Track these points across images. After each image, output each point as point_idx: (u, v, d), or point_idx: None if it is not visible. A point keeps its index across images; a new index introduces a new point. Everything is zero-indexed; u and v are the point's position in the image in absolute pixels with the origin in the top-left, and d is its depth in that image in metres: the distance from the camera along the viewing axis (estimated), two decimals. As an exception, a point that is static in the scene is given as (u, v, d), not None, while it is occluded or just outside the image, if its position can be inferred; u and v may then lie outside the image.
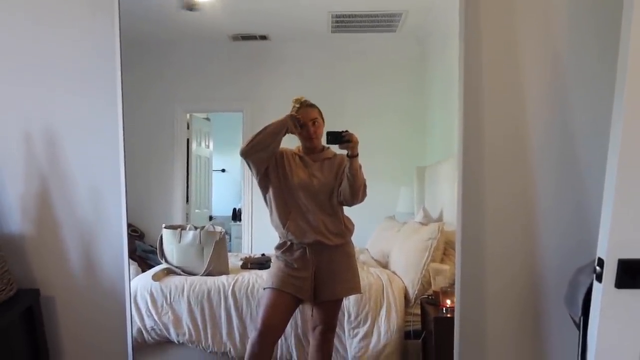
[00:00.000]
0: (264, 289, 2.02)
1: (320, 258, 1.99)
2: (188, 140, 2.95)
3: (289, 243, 2.01)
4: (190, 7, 2.50)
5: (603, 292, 1.23)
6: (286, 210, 1.99)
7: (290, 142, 2.08)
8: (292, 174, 2.00)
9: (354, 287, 2.05)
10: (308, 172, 2.02)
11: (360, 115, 2.75)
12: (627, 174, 1.21)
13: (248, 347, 1.94)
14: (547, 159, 1.82)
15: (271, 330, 1.95)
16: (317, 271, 1.99)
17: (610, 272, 1.22)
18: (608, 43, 1.36)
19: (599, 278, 1.24)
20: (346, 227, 2.06)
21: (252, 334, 1.98)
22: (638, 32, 1.19)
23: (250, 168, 2.02)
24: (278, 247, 2.05)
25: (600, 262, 1.23)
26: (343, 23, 2.79)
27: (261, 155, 1.96)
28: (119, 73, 1.86)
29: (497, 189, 1.84)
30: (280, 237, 2.05)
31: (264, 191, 2.05)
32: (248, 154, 1.96)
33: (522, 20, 1.83)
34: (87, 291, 1.89)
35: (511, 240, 1.84)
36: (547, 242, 1.81)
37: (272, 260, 2.09)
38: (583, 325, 1.35)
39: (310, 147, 2.06)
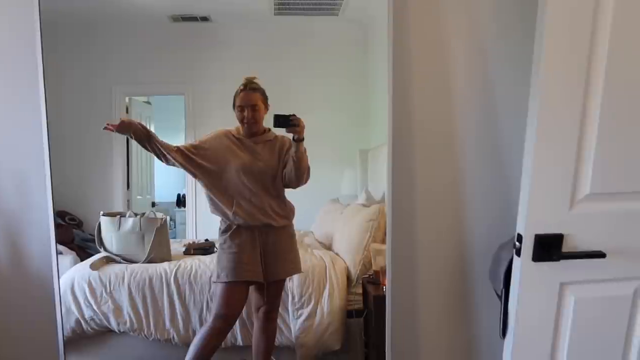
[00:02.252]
0: (217, 282, 2.03)
1: (267, 240, 2.02)
2: (128, 124, 2.86)
3: (235, 226, 2.01)
4: None
5: (522, 266, 1.31)
6: (229, 195, 1.99)
7: (230, 124, 2.06)
8: (233, 158, 2.00)
9: (296, 267, 2.12)
10: (249, 154, 2.02)
11: (304, 98, 2.75)
12: (541, 156, 1.29)
13: (202, 335, 1.98)
14: (474, 145, 1.91)
15: (229, 319, 2.02)
16: (264, 253, 2.02)
17: (527, 247, 1.31)
18: (530, 31, 1.43)
19: (518, 253, 1.32)
20: (288, 209, 2.09)
21: (207, 324, 2.01)
22: (552, 19, 1.26)
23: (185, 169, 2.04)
24: (224, 231, 2.04)
25: (519, 238, 1.32)
26: (286, 5, 2.76)
27: (168, 157, 1.99)
28: (39, 54, 1.79)
29: (427, 174, 1.92)
30: (224, 222, 2.04)
31: (202, 181, 2.05)
32: (165, 163, 2.02)
33: (448, 11, 1.89)
34: (15, 282, 1.83)
35: (441, 222, 1.93)
36: (476, 224, 1.91)
37: (218, 250, 2.08)
38: (505, 297, 1.44)
39: (250, 132, 2.04)
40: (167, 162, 1.99)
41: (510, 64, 1.88)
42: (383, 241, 2.29)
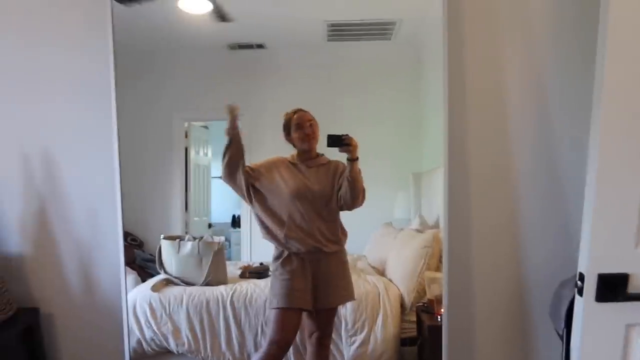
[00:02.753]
0: (271, 308, 2.06)
1: (318, 266, 2.02)
2: (186, 148, 2.97)
3: (286, 253, 2.03)
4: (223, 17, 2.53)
5: (584, 306, 1.25)
6: (281, 220, 2.01)
7: (285, 150, 2.10)
8: (286, 183, 2.02)
9: (349, 294, 2.10)
10: (303, 179, 2.04)
11: (357, 121, 2.77)
12: (605, 192, 1.24)
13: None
14: (531, 176, 1.85)
15: (283, 345, 2.02)
16: (315, 280, 2.02)
17: (590, 287, 1.25)
18: (590, 61, 1.39)
19: (580, 292, 1.27)
20: (341, 234, 2.08)
21: (262, 349, 2.03)
22: (614, 53, 1.22)
23: (238, 192, 2.05)
24: (276, 258, 2.07)
25: (581, 277, 1.26)
26: (338, 32, 2.81)
27: (237, 173, 2.00)
28: (113, 89, 1.89)
29: (483, 203, 1.88)
30: (276, 248, 2.07)
31: (255, 207, 2.07)
32: (227, 176, 2.02)
33: (505, 38, 1.86)
34: (86, 308, 1.92)
35: (498, 254, 1.88)
36: (533, 256, 1.85)
37: (271, 275, 2.10)
38: (566, 337, 1.38)
39: (307, 151, 2.08)
40: (232, 176, 2.01)
41: (570, 91, 1.83)
42: (437, 269, 2.26)
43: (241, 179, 2.01)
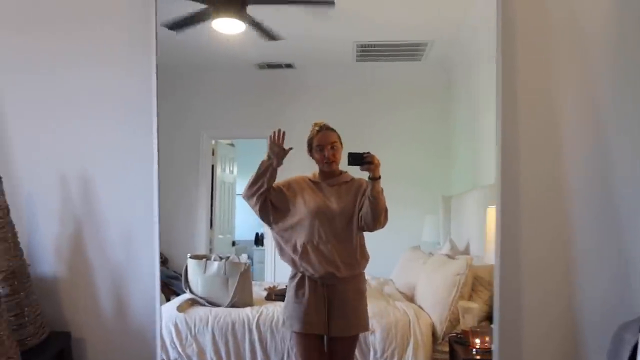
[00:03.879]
0: (291, 331, 2.02)
1: (332, 291, 1.93)
2: (213, 166, 2.98)
3: (300, 275, 1.96)
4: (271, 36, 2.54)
5: None
6: (298, 240, 1.94)
7: (308, 167, 2.05)
8: (306, 202, 1.96)
9: (363, 325, 1.98)
10: (324, 197, 1.98)
11: (385, 142, 2.74)
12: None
13: None
14: (587, 207, 1.76)
15: None
16: (329, 305, 1.93)
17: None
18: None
19: None
20: (360, 258, 1.98)
21: None
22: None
23: (257, 212, 1.99)
24: (291, 278, 2.00)
25: None
26: (368, 52, 2.81)
27: (260, 193, 1.94)
28: (154, 110, 1.87)
29: (535, 237, 1.79)
30: (292, 270, 2.00)
31: (273, 227, 2.00)
32: (249, 195, 1.96)
33: (560, 61, 1.80)
34: (118, 334, 1.88)
35: (549, 289, 1.78)
36: (588, 293, 1.74)
37: (286, 294, 2.02)
38: None
39: (328, 172, 2.02)
40: (256, 196, 1.95)
41: (628, 108, 1.74)
42: (470, 297, 2.19)
43: (260, 198, 1.95)
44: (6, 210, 1.77)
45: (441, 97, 2.84)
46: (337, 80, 2.86)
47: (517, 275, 1.80)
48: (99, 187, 1.92)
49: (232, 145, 3.18)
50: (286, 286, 2.33)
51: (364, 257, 1.99)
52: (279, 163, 1.94)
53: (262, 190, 1.94)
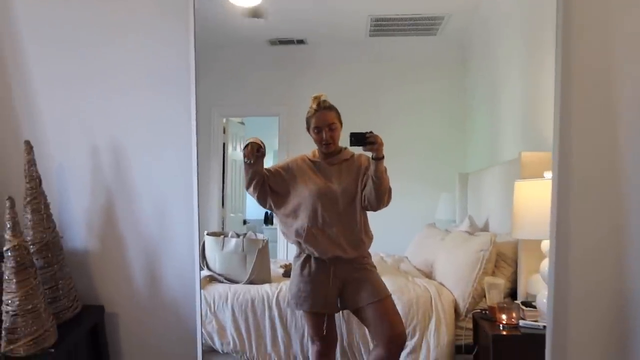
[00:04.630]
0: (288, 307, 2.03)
1: (338, 269, 1.91)
2: (224, 144, 2.94)
3: (304, 255, 1.94)
4: (257, 15, 2.48)
5: None
6: (301, 222, 1.90)
7: (310, 148, 2.01)
8: (307, 185, 1.92)
9: (383, 288, 1.92)
10: (325, 179, 1.93)
11: (399, 119, 2.71)
12: None
13: (312, 357, 1.98)
14: None
15: (324, 342, 1.95)
16: (337, 282, 1.91)
17: None
18: None
19: None
20: (365, 237, 1.94)
21: (312, 346, 1.99)
22: None
23: (256, 200, 1.98)
24: (296, 257, 1.98)
25: None
26: (382, 26, 2.74)
27: (256, 183, 1.92)
28: (193, 80, 1.81)
29: (587, 213, 1.74)
30: (296, 249, 1.97)
31: (277, 212, 1.98)
32: (246, 187, 1.95)
33: (620, 43, 1.73)
34: (151, 309, 1.85)
35: (601, 267, 1.73)
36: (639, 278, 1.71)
37: (292, 273, 1.99)
38: None
39: (326, 152, 1.97)
40: (252, 186, 1.93)
41: None
42: (493, 273, 2.17)
43: (256, 186, 1.93)
44: (38, 180, 1.74)
45: (457, 72, 2.79)
46: (350, 56, 2.81)
47: (567, 253, 1.75)
48: (132, 159, 1.89)
49: (242, 123, 3.14)
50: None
51: (368, 237, 1.95)
52: (259, 165, 1.91)
53: (255, 181, 1.91)
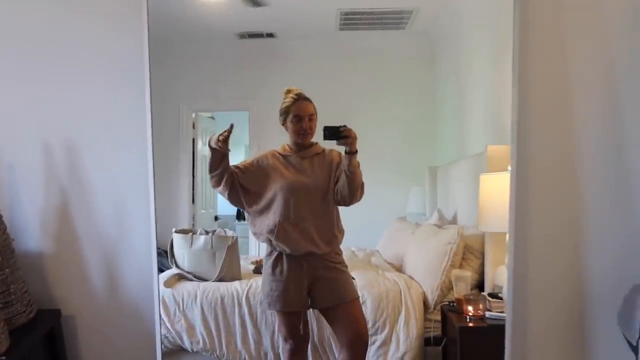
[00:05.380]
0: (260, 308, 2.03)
1: (310, 267, 1.89)
2: (194, 139, 2.90)
3: (276, 254, 1.91)
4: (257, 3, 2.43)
5: None
6: (273, 218, 1.87)
7: (281, 142, 1.99)
8: (279, 179, 1.89)
9: (351, 289, 1.93)
10: (297, 172, 1.91)
11: (369, 113, 2.72)
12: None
13: (284, 356, 1.96)
14: (599, 176, 1.74)
15: (296, 341, 1.94)
16: (309, 280, 1.89)
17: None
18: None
19: None
20: (337, 232, 1.93)
21: (282, 345, 1.98)
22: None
23: (228, 199, 1.94)
24: (267, 256, 1.94)
25: None
26: (351, 20, 2.74)
27: (226, 179, 1.87)
28: (147, 73, 1.74)
29: (546, 202, 1.77)
30: (268, 247, 1.94)
31: (249, 210, 1.93)
32: (214, 185, 1.90)
33: (575, 35, 1.75)
34: (111, 310, 1.79)
35: (560, 255, 1.76)
36: (599, 259, 1.73)
37: (263, 273, 1.96)
38: None
39: (301, 144, 1.94)
40: (222, 184, 1.88)
41: None
42: (461, 266, 2.20)
43: (224, 183, 1.88)
44: (-14, 183, 1.67)
45: (426, 66, 2.81)
46: (320, 50, 2.80)
47: (526, 243, 1.78)
48: (87, 155, 1.81)
49: (212, 118, 3.10)
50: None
51: (341, 232, 1.95)
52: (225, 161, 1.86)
53: (224, 178, 1.86)
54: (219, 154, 1.83)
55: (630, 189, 1.74)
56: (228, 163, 1.87)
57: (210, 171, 1.87)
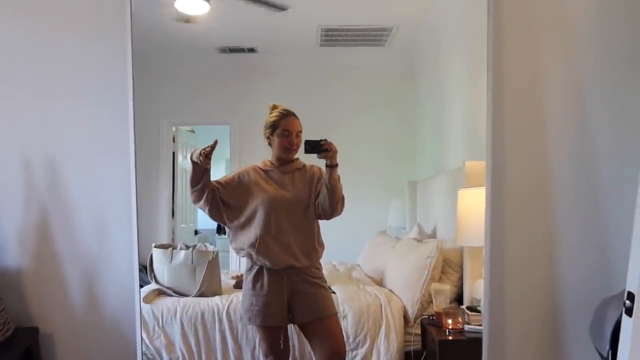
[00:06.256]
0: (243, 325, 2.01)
1: (290, 281, 1.88)
2: (174, 153, 2.89)
3: (257, 267, 1.90)
4: (187, 20, 2.44)
5: (633, 327, 1.20)
6: (254, 232, 1.86)
7: (263, 156, 1.99)
8: (260, 193, 1.89)
9: (330, 305, 1.92)
10: (278, 187, 1.91)
11: (350, 128, 2.75)
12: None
13: None
14: (571, 192, 1.80)
15: (275, 356, 1.91)
16: (289, 295, 1.88)
17: (641, 307, 1.20)
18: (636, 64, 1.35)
19: (629, 312, 1.21)
20: (318, 246, 1.93)
21: None
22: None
23: (209, 215, 1.91)
24: (247, 270, 1.93)
25: (631, 296, 1.21)
26: (332, 37, 2.78)
27: (207, 195, 1.85)
28: (130, 85, 1.73)
29: (519, 219, 1.82)
30: (248, 261, 1.92)
31: (230, 225, 1.92)
32: (195, 200, 1.88)
33: (546, 54, 1.82)
34: (90, 328, 1.76)
35: (534, 270, 1.81)
36: (571, 273, 1.78)
37: (243, 288, 1.94)
38: (612, 359, 1.33)
39: (284, 159, 1.94)
40: (202, 199, 1.86)
41: (612, 101, 1.78)
42: (440, 279, 2.23)
43: (205, 199, 1.86)
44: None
45: (406, 81, 2.86)
46: (301, 65, 2.83)
47: (502, 256, 1.82)
48: (67, 171, 1.80)
49: (192, 132, 3.10)
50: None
51: (321, 246, 1.95)
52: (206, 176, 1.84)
53: (205, 194, 1.84)
54: (201, 168, 1.82)
55: (601, 205, 1.80)
56: (209, 178, 1.86)
57: (192, 186, 1.85)
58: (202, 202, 1.87)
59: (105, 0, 1.81)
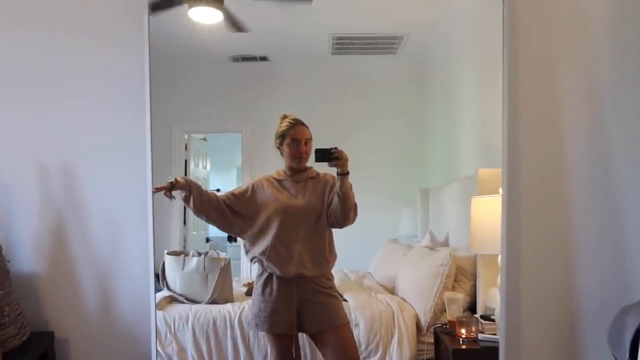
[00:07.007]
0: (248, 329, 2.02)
1: (301, 290, 1.87)
2: (186, 161, 2.91)
3: (267, 273, 1.90)
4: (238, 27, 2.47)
5: None
6: (265, 241, 1.87)
7: (274, 164, 2.00)
8: (272, 203, 1.89)
9: (342, 315, 1.90)
10: (290, 196, 1.91)
11: (361, 136, 2.75)
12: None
13: None
14: (587, 198, 1.78)
15: None
16: (299, 303, 1.87)
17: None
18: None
19: None
20: (329, 255, 1.92)
21: None
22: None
23: (218, 227, 1.97)
24: (258, 276, 1.94)
25: None
26: (343, 45, 2.79)
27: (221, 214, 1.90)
28: (147, 94, 1.75)
29: (534, 227, 1.80)
30: (258, 268, 1.93)
31: (243, 235, 1.94)
32: (204, 219, 1.94)
33: (561, 59, 1.81)
34: (105, 333, 1.77)
35: (549, 276, 1.79)
36: (587, 280, 1.77)
37: (253, 293, 1.94)
38: None
39: (296, 168, 1.94)
40: (199, 213, 1.91)
41: (629, 102, 1.77)
42: (453, 288, 2.21)
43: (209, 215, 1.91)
44: (-20, 204, 1.66)
45: (416, 90, 2.86)
46: (312, 74, 2.84)
47: (518, 263, 1.81)
48: (83, 177, 1.82)
49: (204, 139, 3.12)
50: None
51: (332, 255, 1.94)
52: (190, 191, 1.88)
53: (208, 213, 1.89)
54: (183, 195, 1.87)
55: (618, 212, 1.78)
56: (201, 200, 1.88)
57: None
58: (211, 220, 1.92)
59: (123, 8, 1.83)
